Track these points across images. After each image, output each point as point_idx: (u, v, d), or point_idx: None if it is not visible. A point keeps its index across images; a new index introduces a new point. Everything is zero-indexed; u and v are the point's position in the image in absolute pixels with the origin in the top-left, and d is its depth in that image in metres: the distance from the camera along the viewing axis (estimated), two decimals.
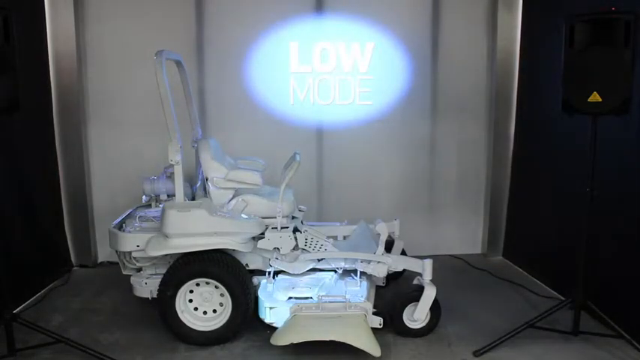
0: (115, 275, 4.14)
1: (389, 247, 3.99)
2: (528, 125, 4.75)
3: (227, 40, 4.79)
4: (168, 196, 3.83)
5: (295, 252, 3.61)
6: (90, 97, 4.76)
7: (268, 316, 3.35)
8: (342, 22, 4.83)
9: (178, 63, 3.96)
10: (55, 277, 4.47)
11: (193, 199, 3.80)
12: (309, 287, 3.45)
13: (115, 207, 4.52)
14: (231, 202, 3.63)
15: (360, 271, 3.57)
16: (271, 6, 4.78)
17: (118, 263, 3.71)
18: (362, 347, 3.04)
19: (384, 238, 3.58)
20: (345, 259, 3.64)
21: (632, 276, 3.32)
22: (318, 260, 3.64)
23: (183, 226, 3.33)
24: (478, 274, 4.69)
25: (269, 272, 3.57)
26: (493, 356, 3.20)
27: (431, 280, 3.41)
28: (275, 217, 3.57)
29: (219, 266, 3.31)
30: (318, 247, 3.66)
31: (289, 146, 4.38)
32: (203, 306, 3.38)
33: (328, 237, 3.78)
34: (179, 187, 3.43)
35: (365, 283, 3.55)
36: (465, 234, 5.23)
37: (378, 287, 3.82)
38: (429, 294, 3.36)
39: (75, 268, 4.80)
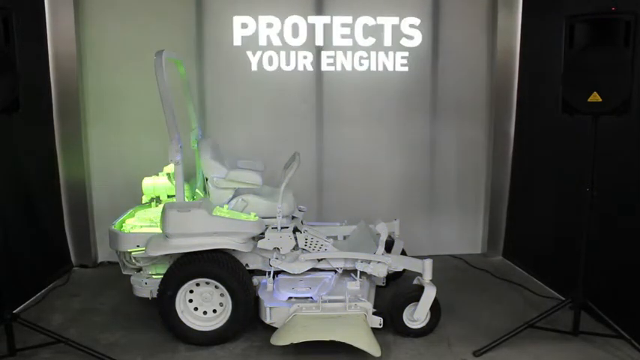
0: (115, 275, 4.14)
1: (389, 247, 3.98)
2: (528, 125, 4.75)
3: (227, 40, 4.79)
4: (168, 196, 3.83)
5: (295, 252, 3.61)
6: (90, 97, 4.76)
7: (268, 316, 3.35)
8: (341, 22, 4.82)
9: (178, 63, 3.96)
10: (55, 277, 4.47)
11: (194, 199, 3.80)
12: (309, 287, 3.46)
13: (115, 207, 4.51)
14: (231, 202, 3.63)
15: (360, 271, 3.57)
16: (271, 6, 4.77)
17: (118, 263, 3.72)
18: (362, 347, 3.04)
19: (384, 238, 3.58)
20: (345, 259, 3.63)
21: (632, 276, 3.32)
22: (318, 260, 3.64)
23: (183, 226, 3.33)
24: (478, 274, 4.69)
25: (269, 272, 3.57)
26: (493, 356, 3.20)
27: (431, 280, 3.41)
28: (275, 217, 3.57)
29: (219, 266, 3.30)
30: (318, 247, 3.66)
31: (289, 146, 4.38)
32: (203, 306, 3.38)
33: (328, 237, 3.78)
34: (179, 187, 3.43)
35: (365, 283, 3.55)
36: (465, 234, 5.23)
37: (378, 287, 3.82)
38: (429, 294, 3.36)
39: (75, 268, 4.80)
